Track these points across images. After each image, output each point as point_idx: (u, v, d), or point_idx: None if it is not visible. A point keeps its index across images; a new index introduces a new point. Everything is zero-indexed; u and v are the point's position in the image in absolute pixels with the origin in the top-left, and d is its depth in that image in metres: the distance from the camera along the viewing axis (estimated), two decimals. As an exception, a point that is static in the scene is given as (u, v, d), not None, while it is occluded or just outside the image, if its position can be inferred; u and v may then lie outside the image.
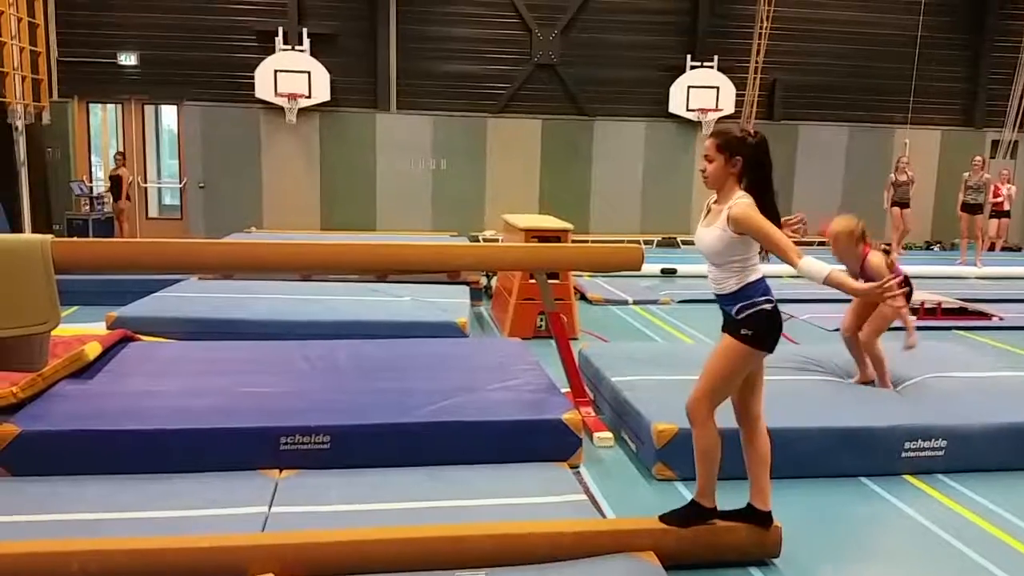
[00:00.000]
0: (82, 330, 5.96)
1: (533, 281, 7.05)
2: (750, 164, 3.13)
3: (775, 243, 2.99)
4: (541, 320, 7.40)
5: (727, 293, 3.16)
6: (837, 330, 7.86)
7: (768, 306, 3.12)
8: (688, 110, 14.68)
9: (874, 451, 4.38)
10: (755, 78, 14.58)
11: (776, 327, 3.16)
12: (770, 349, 3.17)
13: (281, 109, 13.68)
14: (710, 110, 14.66)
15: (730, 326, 3.17)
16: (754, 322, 3.11)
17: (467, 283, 8.78)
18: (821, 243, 15.34)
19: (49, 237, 4.54)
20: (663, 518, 3.35)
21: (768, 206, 3.08)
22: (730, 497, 3.51)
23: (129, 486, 3.79)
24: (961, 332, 8.16)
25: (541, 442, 4.26)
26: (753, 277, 3.14)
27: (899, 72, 15.29)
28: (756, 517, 3.35)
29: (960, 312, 8.73)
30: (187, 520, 3.43)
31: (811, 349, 6.19)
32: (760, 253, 3.17)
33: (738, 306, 3.12)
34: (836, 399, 4.88)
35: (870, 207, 15.06)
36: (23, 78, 11.87)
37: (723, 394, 3.23)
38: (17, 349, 4.54)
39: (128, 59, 13.68)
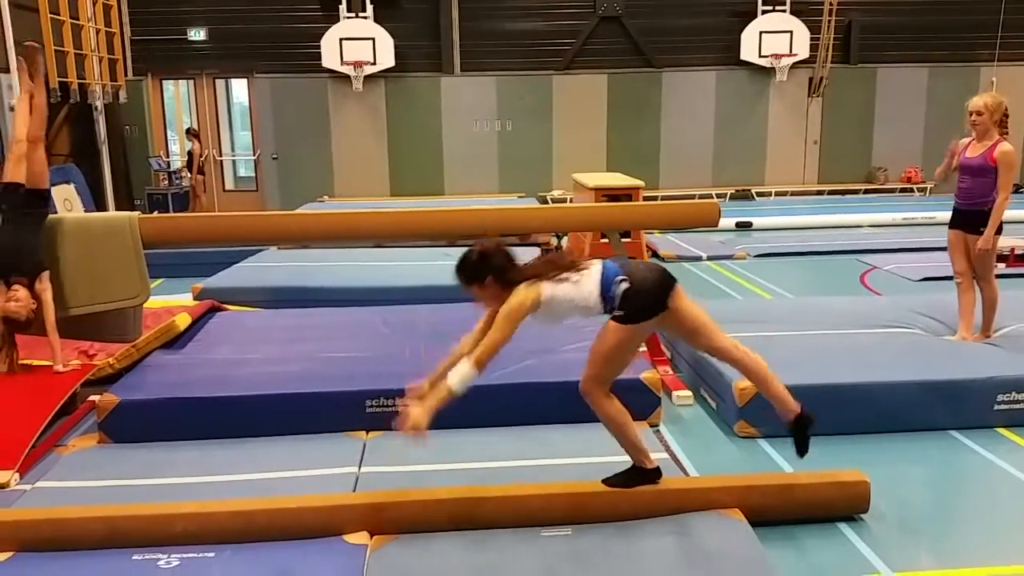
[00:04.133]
0: (171, 302, 6.19)
1: (605, 240, 7.00)
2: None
3: None
4: (614, 279, 7.35)
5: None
6: (923, 280, 7.67)
7: (625, 286, 3.03)
8: (760, 56, 14.22)
9: (965, 404, 4.25)
10: (830, 20, 14.01)
11: (641, 298, 3.05)
12: (647, 318, 3.09)
13: (348, 78, 13.78)
14: (784, 55, 14.19)
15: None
16: (621, 302, 3.04)
17: (538, 244, 8.76)
18: (903, 189, 14.89)
19: (136, 214, 4.73)
20: (606, 481, 3.29)
21: None
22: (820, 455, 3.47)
23: (223, 450, 3.95)
24: (1055, 278, 7.79)
25: (620, 401, 4.25)
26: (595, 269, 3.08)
27: (984, 5, 14.48)
28: (798, 422, 3.24)
29: (1053, 257, 8.32)
30: (281, 481, 3.56)
31: (895, 300, 6.01)
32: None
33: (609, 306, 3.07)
34: (924, 351, 4.74)
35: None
36: (100, 59, 12.24)
37: (612, 373, 3.18)
38: (112, 322, 4.77)
39: (197, 35, 13.95)
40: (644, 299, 3.05)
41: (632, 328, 3.09)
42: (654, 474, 3.29)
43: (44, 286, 4.52)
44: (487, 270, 3.02)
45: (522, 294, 2.98)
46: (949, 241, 5.16)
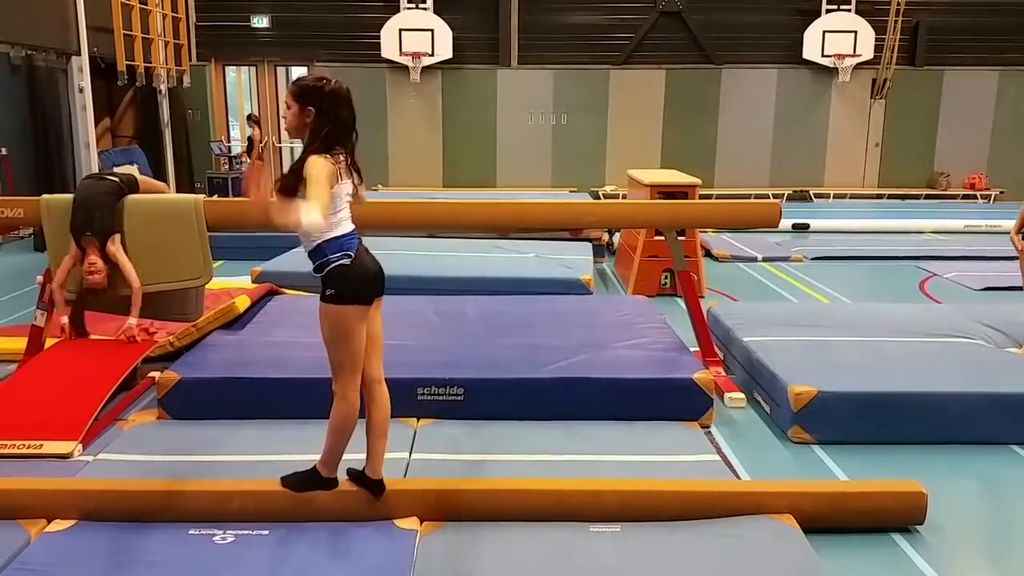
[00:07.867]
0: (231, 284, 6.30)
1: (658, 238, 6.95)
2: None
3: None
4: (665, 277, 7.31)
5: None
6: (985, 289, 7.47)
7: (347, 261, 2.95)
8: (823, 56, 13.92)
9: (1029, 418, 4.14)
10: (896, 20, 13.68)
11: (357, 280, 2.98)
12: (361, 301, 3.00)
13: (406, 68, 13.87)
14: (847, 56, 13.88)
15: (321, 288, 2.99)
16: (333, 281, 2.95)
17: (590, 240, 8.74)
18: (966, 196, 14.50)
19: (201, 197, 4.84)
20: (283, 480, 3.19)
21: None
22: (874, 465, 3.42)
23: (279, 430, 4.02)
24: None
25: (671, 401, 4.24)
26: (334, 234, 2.95)
27: (1060, 7, 14.02)
28: (369, 484, 3.16)
29: None
30: (334, 465, 3.61)
31: (957, 309, 5.86)
32: None
33: (318, 264, 2.98)
34: (987, 362, 4.63)
35: (1022, 159, 14.03)
36: (166, 43, 12.51)
37: (350, 362, 3.07)
38: (175, 302, 4.89)
39: (260, 22, 14.16)
40: (356, 281, 2.98)
41: (346, 309, 2.97)
42: (331, 483, 3.16)
43: (116, 247, 4.63)
44: (314, 102, 3.03)
45: (321, 164, 2.95)
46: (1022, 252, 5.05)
